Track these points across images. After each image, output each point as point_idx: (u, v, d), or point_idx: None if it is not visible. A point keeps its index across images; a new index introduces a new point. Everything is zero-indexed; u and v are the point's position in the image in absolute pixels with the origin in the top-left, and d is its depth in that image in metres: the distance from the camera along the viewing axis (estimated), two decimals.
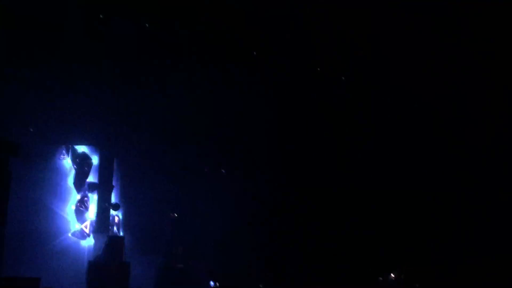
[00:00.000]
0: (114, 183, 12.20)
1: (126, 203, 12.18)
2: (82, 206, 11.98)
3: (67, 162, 12.21)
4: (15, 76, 11.08)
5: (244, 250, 11.93)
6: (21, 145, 10.91)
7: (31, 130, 11.27)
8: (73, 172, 12.13)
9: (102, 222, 11.96)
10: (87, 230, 11.90)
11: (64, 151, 12.17)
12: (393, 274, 11.51)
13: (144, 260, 11.45)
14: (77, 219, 11.91)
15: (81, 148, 12.26)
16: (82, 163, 12.19)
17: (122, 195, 12.27)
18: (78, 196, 12.02)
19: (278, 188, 12.22)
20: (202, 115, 11.89)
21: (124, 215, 12.19)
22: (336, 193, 12.06)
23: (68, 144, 12.15)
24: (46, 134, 11.71)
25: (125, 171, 12.33)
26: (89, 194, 12.12)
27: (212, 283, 11.27)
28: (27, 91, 11.25)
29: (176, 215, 12.01)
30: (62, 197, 11.99)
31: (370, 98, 12.20)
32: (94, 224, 12.00)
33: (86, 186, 12.10)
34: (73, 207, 11.96)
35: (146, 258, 11.53)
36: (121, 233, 12.05)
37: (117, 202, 12.06)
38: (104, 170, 12.24)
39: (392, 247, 11.70)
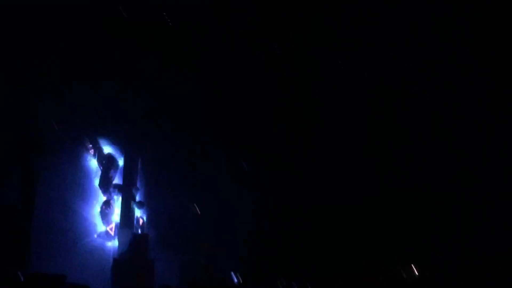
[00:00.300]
0: (138, 184, 12.31)
1: (150, 202, 12.26)
2: (107, 208, 12.02)
3: (93, 163, 12.31)
4: (40, 77, 11.15)
5: (267, 246, 12.04)
6: (48, 145, 11.09)
7: (57, 128, 11.30)
8: (99, 173, 12.22)
9: (127, 220, 12.04)
10: (112, 232, 11.96)
11: (91, 152, 12.27)
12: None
13: (169, 257, 11.54)
14: (103, 221, 11.96)
15: (107, 149, 12.34)
16: (108, 164, 12.26)
17: (147, 194, 12.35)
18: (104, 198, 12.10)
19: (301, 186, 12.31)
20: (227, 114, 11.95)
21: (148, 213, 12.27)
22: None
23: (95, 145, 12.23)
24: (72, 134, 11.79)
25: (150, 170, 12.42)
26: (115, 196, 12.20)
27: (235, 279, 11.35)
28: (53, 90, 11.30)
29: (200, 212, 12.09)
30: (88, 199, 12.05)
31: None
32: (119, 225, 12.08)
33: (111, 187, 12.17)
34: (99, 209, 12.03)
35: (170, 255, 11.61)
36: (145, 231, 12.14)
37: (141, 200, 12.15)
38: (129, 170, 12.33)
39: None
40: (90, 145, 12.23)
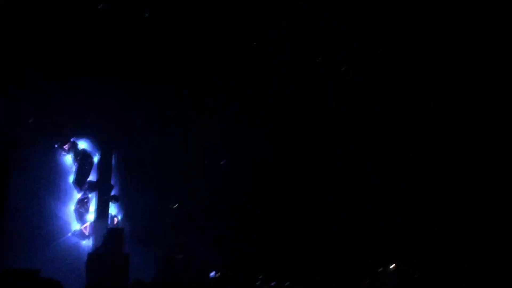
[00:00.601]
0: (113, 180, 12.17)
1: (125, 196, 12.15)
2: (82, 207, 11.88)
3: (67, 159, 12.08)
4: (16, 69, 11.00)
5: (245, 241, 11.98)
6: (20, 138, 10.96)
7: (29, 121, 11.18)
8: (74, 170, 12.01)
9: (102, 216, 11.93)
10: (86, 232, 11.80)
11: (65, 148, 12.01)
12: (392, 265, 11.52)
13: (144, 251, 11.45)
14: (77, 219, 11.79)
15: (82, 145, 12.12)
16: (83, 161, 12.05)
17: (122, 189, 12.24)
18: (79, 195, 11.92)
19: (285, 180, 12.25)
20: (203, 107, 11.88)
21: (123, 208, 12.17)
22: (331, 181, 12.08)
23: (69, 140, 12.02)
24: (46, 128, 11.62)
25: (124, 164, 12.31)
26: (89, 195, 12.02)
27: (213, 273, 11.26)
28: (28, 83, 11.16)
29: (175, 206, 12.01)
30: (62, 197, 11.84)
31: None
32: (93, 222, 11.94)
33: (86, 185, 11.98)
34: (73, 208, 11.85)
35: (146, 249, 11.52)
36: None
37: (116, 194, 12.04)
38: (104, 166, 12.17)
39: (391, 238, 11.70)
40: (65, 141, 11.99)
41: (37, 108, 11.38)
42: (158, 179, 12.12)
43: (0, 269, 10.03)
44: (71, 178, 11.94)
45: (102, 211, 11.98)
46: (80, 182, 11.94)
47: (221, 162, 12.23)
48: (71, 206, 11.84)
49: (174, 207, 12.00)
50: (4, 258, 10.61)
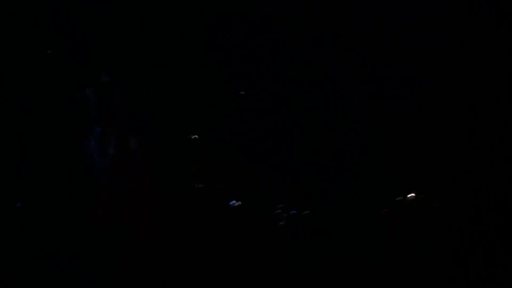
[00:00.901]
0: None
1: None
2: None
3: None
4: None
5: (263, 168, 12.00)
6: None
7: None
8: None
9: None
10: None
11: None
12: (412, 194, 11.43)
13: None
14: None
15: None
16: None
17: None
18: None
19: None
20: None
21: None
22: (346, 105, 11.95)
23: None
24: None
25: None
26: None
27: (233, 201, 11.30)
28: None
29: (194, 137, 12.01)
30: None
31: None
32: None
33: None
34: None
35: None
36: None
37: None
38: None
39: (410, 164, 11.60)
40: None
41: None
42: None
43: None
44: None
45: None
46: None
47: (241, 93, 12.13)
48: None
49: (193, 137, 11.99)
50: None
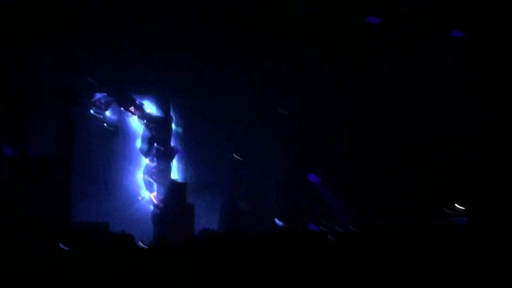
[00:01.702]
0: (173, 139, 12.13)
1: (187, 147, 12.17)
2: (151, 177, 11.90)
3: (134, 121, 12.09)
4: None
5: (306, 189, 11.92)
6: (81, 95, 11.04)
7: (94, 82, 11.19)
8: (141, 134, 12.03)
9: (165, 172, 11.99)
10: (155, 200, 11.85)
11: (131, 109, 11.95)
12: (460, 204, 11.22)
13: (209, 202, 11.51)
14: (146, 187, 11.92)
15: (149, 109, 12.11)
16: (151, 125, 12.01)
17: (183, 139, 12.21)
18: (147, 161, 11.96)
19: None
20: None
21: (186, 159, 12.20)
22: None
23: (133, 99, 11.95)
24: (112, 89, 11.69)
25: (183, 116, 12.27)
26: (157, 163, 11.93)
27: (279, 222, 11.22)
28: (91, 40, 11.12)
29: (239, 157, 11.99)
30: (128, 163, 11.97)
31: None
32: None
33: (154, 151, 11.96)
34: (141, 176, 11.94)
35: (210, 200, 11.57)
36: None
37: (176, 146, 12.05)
38: (164, 125, 12.17)
39: (460, 172, 11.42)
40: (130, 103, 11.96)
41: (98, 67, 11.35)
42: (220, 129, 12.06)
43: (69, 222, 10.29)
44: (139, 143, 12.00)
45: (165, 167, 12.01)
46: (148, 148, 11.93)
47: (282, 111, 12.11)
48: (140, 175, 11.94)
49: (237, 157, 11.98)
50: (72, 210, 10.76)
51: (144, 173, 11.93)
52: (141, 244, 10.02)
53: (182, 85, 11.97)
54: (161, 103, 12.11)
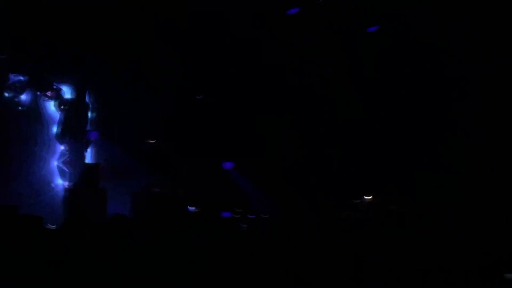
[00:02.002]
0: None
1: (102, 133, 12.03)
2: (65, 165, 11.65)
3: (51, 105, 11.74)
4: None
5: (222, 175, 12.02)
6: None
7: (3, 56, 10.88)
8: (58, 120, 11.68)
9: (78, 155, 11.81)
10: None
11: (49, 93, 11.58)
12: (368, 197, 11.62)
13: (121, 187, 11.41)
14: (60, 176, 11.57)
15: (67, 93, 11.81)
16: (68, 111, 11.64)
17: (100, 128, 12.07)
18: (62, 147, 11.62)
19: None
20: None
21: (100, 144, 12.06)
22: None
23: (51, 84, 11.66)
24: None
25: (102, 106, 12.12)
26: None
27: (192, 208, 11.26)
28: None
29: (152, 141, 11.93)
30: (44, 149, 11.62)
31: None
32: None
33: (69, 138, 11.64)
34: (56, 164, 11.62)
35: (123, 185, 11.47)
36: None
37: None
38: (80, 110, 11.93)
39: (369, 168, 11.78)
40: (48, 87, 11.70)
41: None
42: (135, 119, 11.99)
43: None
44: (55, 129, 11.67)
45: (79, 151, 11.83)
46: (63, 134, 11.60)
47: (198, 97, 12.13)
48: (54, 162, 11.62)
49: (151, 142, 11.93)
50: None
51: (58, 160, 11.67)
52: (50, 225, 9.93)
53: (99, 70, 11.75)
54: (77, 88, 11.84)
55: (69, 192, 10.87)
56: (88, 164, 11.43)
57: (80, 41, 11.39)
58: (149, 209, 10.86)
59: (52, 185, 11.46)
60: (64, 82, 11.79)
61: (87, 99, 11.92)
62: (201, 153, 12.10)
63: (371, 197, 11.53)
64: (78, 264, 8.26)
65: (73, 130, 11.63)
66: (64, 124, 11.59)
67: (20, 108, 11.38)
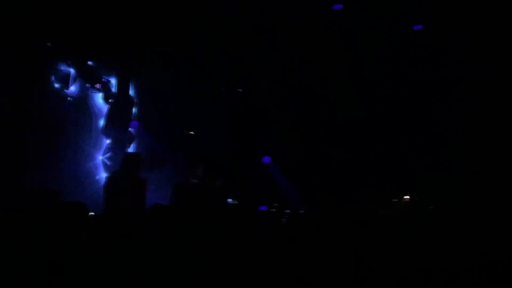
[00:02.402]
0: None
1: (145, 122, 12.20)
2: (110, 160, 11.83)
3: (99, 98, 11.91)
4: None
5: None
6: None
7: (49, 44, 11.07)
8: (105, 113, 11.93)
9: (121, 145, 12.00)
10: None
11: (98, 86, 11.82)
12: (406, 196, 11.57)
13: (162, 178, 11.56)
14: (104, 170, 11.89)
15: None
16: (115, 102, 11.83)
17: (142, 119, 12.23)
18: (108, 141, 11.91)
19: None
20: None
21: (142, 133, 12.23)
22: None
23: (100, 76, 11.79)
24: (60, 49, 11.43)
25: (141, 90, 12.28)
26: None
27: (230, 200, 11.35)
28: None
29: (193, 133, 12.06)
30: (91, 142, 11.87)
31: None
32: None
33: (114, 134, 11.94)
34: (101, 158, 11.90)
35: (163, 175, 11.62)
36: None
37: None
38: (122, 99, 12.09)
39: (405, 167, 11.73)
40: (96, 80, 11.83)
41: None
42: (176, 108, 12.11)
43: (22, 187, 10.20)
44: (102, 122, 11.94)
45: (122, 145, 12.02)
46: (110, 127, 11.87)
47: (239, 90, 12.22)
48: (99, 157, 11.90)
49: (190, 133, 12.05)
50: (23, 179, 10.66)
51: (103, 155, 11.85)
52: (92, 213, 10.10)
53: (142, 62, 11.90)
54: (123, 81, 12.02)
55: (110, 180, 11.04)
56: (129, 153, 11.63)
57: (128, 35, 11.60)
58: (188, 200, 11.00)
59: (97, 177, 11.74)
60: (112, 74, 12.00)
61: (131, 92, 12.13)
62: (241, 147, 12.22)
63: (409, 196, 11.50)
64: (116, 252, 8.39)
65: (119, 124, 11.84)
66: (111, 117, 11.78)
67: (68, 99, 11.63)
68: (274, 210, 11.39)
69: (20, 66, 10.73)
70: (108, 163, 11.74)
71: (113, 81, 12.06)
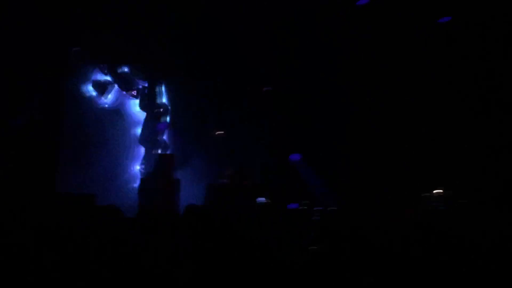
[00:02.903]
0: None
1: (177, 124, 12.34)
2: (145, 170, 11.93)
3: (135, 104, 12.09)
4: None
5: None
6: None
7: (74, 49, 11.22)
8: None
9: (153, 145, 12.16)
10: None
11: (134, 93, 11.95)
12: (439, 190, 11.44)
13: (194, 179, 11.70)
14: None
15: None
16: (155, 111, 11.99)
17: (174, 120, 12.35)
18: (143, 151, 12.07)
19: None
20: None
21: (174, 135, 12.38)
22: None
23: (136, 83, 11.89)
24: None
25: (173, 94, 12.43)
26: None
27: (262, 199, 11.41)
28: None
29: (224, 134, 12.16)
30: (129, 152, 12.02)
31: None
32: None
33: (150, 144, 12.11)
34: (137, 168, 12.12)
35: (196, 177, 11.76)
36: None
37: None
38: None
39: (438, 159, 11.66)
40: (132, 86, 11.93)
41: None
42: (209, 110, 12.23)
43: (55, 191, 10.42)
44: (138, 131, 12.09)
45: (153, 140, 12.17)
46: (148, 139, 12.00)
47: (265, 89, 12.30)
48: (136, 167, 12.06)
49: (221, 134, 12.16)
50: (58, 178, 10.93)
51: (140, 165, 12.03)
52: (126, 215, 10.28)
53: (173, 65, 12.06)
54: (157, 87, 12.17)
55: (144, 181, 11.25)
56: (162, 154, 11.80)
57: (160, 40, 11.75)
58: (219, 199, 11.14)
59: (135, 185, 11.92)
60: (147, 80, 12.14)
61: (165, 98, 12.28)
62: (270, 145, 12.29)
63: (441, 190, 11.37)
64: (150, 253, 8.54)
65: (153, 131, 12.00)
66: (151, 126, 11.99)
67: (104, 106, 11.80)
68: (305, 207, 11.42)
69: (55, 72, 10.98)
70: (143, 170, 11.93)
71: (147, 87, 12.17)
